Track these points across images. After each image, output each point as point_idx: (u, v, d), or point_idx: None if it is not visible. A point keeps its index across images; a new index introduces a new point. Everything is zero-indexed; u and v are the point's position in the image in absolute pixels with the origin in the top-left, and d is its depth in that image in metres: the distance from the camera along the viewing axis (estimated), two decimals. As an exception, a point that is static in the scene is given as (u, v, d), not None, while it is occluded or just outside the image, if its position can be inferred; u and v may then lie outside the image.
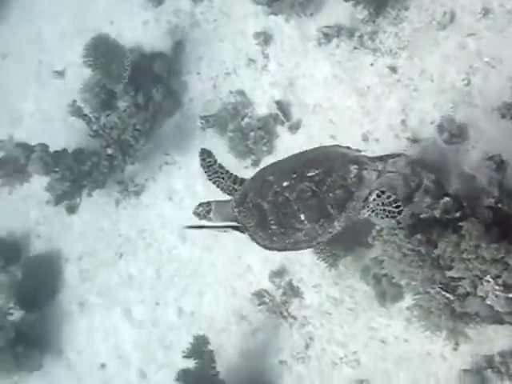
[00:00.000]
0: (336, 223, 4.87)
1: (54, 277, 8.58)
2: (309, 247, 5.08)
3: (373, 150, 6.73)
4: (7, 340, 7.94)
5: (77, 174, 7.96)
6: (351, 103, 7.07)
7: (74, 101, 7.80)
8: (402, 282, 5.71)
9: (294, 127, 7.30)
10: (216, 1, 8.21)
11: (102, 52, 7.75)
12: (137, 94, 7.86)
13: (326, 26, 7.25)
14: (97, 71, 7.80)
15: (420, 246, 5.25)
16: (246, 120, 7.54)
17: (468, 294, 5.19)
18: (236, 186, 5.29)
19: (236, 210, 5.07)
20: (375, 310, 6.41)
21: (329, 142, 6.84)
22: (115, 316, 7.96)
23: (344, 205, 4.83)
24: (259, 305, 7.06)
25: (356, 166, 4.87)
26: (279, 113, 7.38)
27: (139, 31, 8.58)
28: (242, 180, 5.26)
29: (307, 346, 6.71)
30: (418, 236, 5.28)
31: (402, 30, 6.89)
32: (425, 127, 6.52)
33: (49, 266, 8.64)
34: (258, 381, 6.84)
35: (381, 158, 5.01)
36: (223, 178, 5.32)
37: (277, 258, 7.09)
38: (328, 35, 7.22)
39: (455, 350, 5.82)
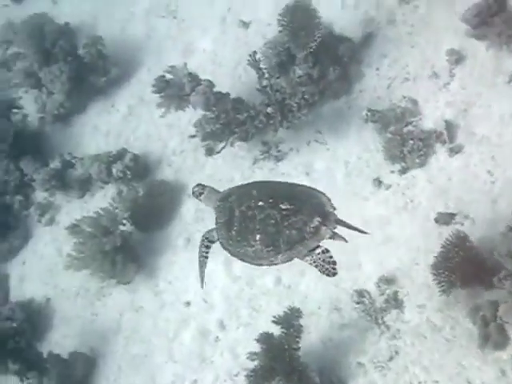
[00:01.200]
0: (280, 256, 5.42)
1: (172, 207, 9.12)
2: (251, 264, 5.61)
3: (524, 199, 6.84)
4: (113, 246, 8.55)
5: (231, 119, 8.42)
6: (520, 147, 7.17)
7: (255, 52, 8.27)
8: (515, 331, 5.81)
9: (454, 151, 7.48)
10: (421, 7, 8.43)
11: (298, 17, 8.17)
12: (314, 66, 8.26)
13: (525, 67, 7.38)
14: (286, 33, 8.24)
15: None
16: (410, 127, 7.79)
17: None
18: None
19: (217, 203, 5.72)
20: (471, 350, 6.52)
21: (483, 177, 7.03)
22: (215, 263, 8.32)
23: (293, 245, 5.36)
24: (357, 303, 7.31)
25: (319, 220, 5.35)
26: (444, 132, 7.57)
27: (336, 11, 8.96)
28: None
29: (391, 358, 6.91)
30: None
31: None
32: None
33: (170, 195, 9.18)
34: (330, 372, 7.08)
35: (347, 225, 5.49)
36: None
37: (391, 266, 7.30)
38: (524, 75, 7.35)
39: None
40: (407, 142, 7.66)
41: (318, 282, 7.68)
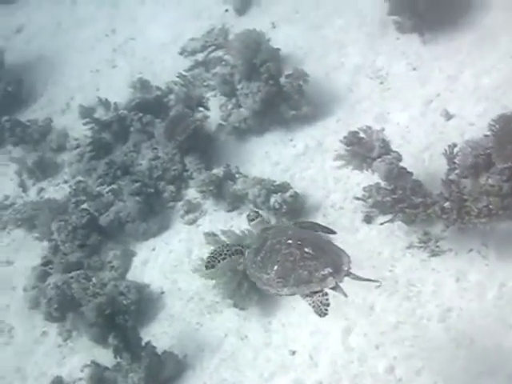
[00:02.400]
0: (285, 289, 6.32)
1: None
2: (260, 287, 6.58)
3: None
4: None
5: (405, 198, 8.65)
6: None
7: (455, 145, 8.52)
8: None
9: None
10: None
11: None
12: (508, 181, 8.32)
13: None
14: (492, 139, 8.42)
15: None
16: None
17: None
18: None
19: (259, 232, 6.95)
20: None
21: None
22: (335, 327, 8.57)
23: (300, 284, 6.26)
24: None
25: (330, 271, 6.27)
26: None
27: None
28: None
29: None
30: None
31: None
32: None
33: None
34: None
35: (359, 278, 6.35)
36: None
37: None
38: None
39: None
40: None
41: (431, 388, 7.67)
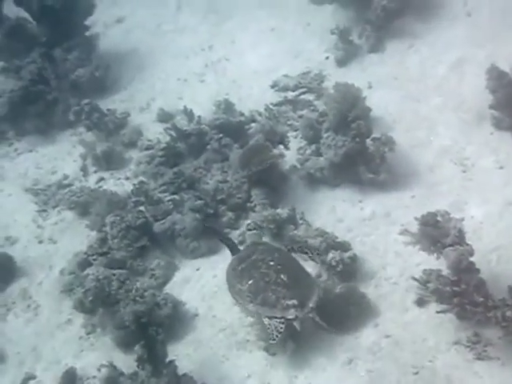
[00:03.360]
0: (250, 305, 7.59)
1: (355, 322, 9.20)
2: (230, 294, 8.11)
3: None
4: (289, 316, 8.72)
5: (466, 294, 8.51)
6: None
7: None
8: None
9: None
10: None
11: None
12: None
13: None
14: None
15: None
16: None
17: None
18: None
19: (250, 243, 8.40)
20: None
21: None
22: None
23: (264, 305, 7.39)
24: None
25: (295, 303, 7.42)
26: None
27: None
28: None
29: None
30: None
31: None
32: None
33: (362, 309, 9.25)
34: None
35: (315, 318, 7.57)
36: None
37: None
38: None
39: None
40: None
41: None
